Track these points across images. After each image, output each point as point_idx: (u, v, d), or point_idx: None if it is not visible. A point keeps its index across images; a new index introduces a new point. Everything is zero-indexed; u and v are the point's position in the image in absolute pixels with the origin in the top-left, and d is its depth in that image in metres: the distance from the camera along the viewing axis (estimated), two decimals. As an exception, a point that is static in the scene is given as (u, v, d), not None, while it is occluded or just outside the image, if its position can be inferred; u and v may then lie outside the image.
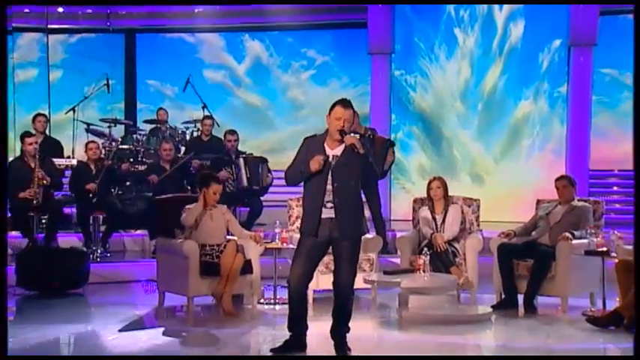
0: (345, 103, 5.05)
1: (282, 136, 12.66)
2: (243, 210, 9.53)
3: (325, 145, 5.07)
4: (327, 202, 4.99)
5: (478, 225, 7.52)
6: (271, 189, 9.50)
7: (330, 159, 5.03)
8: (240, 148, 9.72)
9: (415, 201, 7.71)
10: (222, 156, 9.60)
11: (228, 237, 6.91)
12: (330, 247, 5.14)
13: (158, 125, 11.05)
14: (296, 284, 5.02)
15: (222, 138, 9.83)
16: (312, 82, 12.82)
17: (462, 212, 7.42)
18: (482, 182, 11.55)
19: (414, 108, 11.90)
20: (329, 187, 4.99)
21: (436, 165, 11.66)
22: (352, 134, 8.47)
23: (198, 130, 10.72)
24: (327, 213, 5.00)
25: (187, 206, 6.83)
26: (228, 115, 12.39)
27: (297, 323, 5.13)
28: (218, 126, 10.76)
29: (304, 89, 12.83)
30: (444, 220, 7.29)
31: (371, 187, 8.58)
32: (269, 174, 9.42)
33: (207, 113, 10.95)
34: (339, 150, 5.05)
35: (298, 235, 5.25)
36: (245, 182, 9.33)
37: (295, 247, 5.22)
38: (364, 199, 5.40)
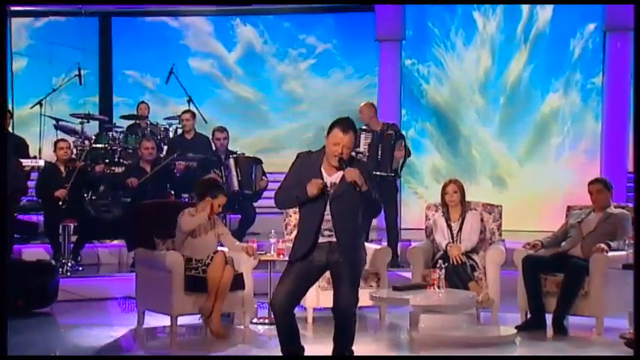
0: (344, 126, 4.96)
1: (278, 134, 12.69)
2: (234, 217, 9.54)
3: (322, 169, 5.04)
4: (325, 229, 5.01)
5: (500, 235, 7.52)
6: (266, 194, 9.50)
7: (328, 187, 5.00)
8: (230, 147, 9.74)
9: (428, 207, 7.72)
10: (209, 156, 9.61)
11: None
12: (329, 271, 5.14)
13: (137, 121, 11.07)
14: (279, 302, 4.98)
15: (210, 136, 9.85)
16: (311, 73, 12.84)
17: (482, 220, 7.43)
18: (505, 186, 11.57)
19: (427, 102, 11.91)
20: (327, 217, 5.00)
21: (452, 167, 11.68)
22: (364, 133, 8.53)
23: (182, 126, 10.73)
24: (326, 238, 5.02)
25: (189, 209, 6.84)
26: (216, 110, 12.42)
27: (291, 345, 5.13)
28: (206, 122, 10.78)
29: (303, 81, 12.85)
30: (460, 229, 7.30)
31: (388, 195, 8.61)
32: (263, 177, 9.44)
33: (192, 108, 10.95)
34: (337, 176, 5.02)
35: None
36: (236, 186, 9.34)
37: (282, 275, 5.16)
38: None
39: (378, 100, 11.79)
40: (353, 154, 5.17)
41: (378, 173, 8.47)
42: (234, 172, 9.35)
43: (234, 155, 9.54)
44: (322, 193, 4.95)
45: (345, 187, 4.97)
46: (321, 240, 5.02)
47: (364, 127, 8.84)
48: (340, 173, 5.00)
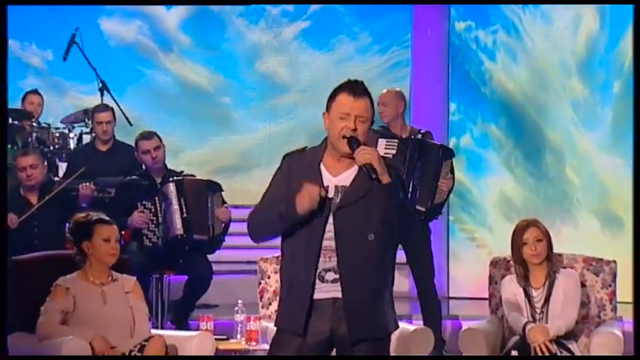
0: (355, 89, 5.04)
1: (249, 143, 12.73)
2: (176, 280, 9.53)
3: (322, 167, 5.10)
4: (327, 270, 5.02)
5: (614, 309, 7.55)
6: (229, 241, 9.51)
7: (332, 193, 5.04)
8: (170, 164, 9.74)
9: (494, 264, 7.75)
10: (135, 179, 9.60)
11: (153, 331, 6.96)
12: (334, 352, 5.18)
13: (18, 122, 11.07)
14: None
15: (135, 146, 9.84)
16: (303, 44, 12.90)
17: (584, 285, 7.46)
18: (622, 228, 11.56)
19: (491, 91, 11.96)
20: (328, 242, 5.01)
21: (533, 196, 11.71)
22: (383, 141, 8.50)
23: (91, 131, 10.74)
24: (328, 290, 5.04)
25: (60, 280, 6.86)
26: (146, 104, 12.47)
27: None
28: (130, 124, 10.80)
29: (289, 57, 12.91)
30: (547, 300, 7.32)
31: (416, 243, 8.58)
32: (223, 213, 9.43)
33: (107, 100, 10.98)
34: (347, 176, 5.07)
35: (274, 328, 5.27)
36: (179, 228, 9.33)
37: (269, 349, 5.24)
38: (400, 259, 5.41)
39: (411, 87, 11.87)
40: None
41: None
42: (175, 206, 9.34)
43: (177, 178, 9.54)
44: (322, 204, 4.95)
45: (360, 190, 4.98)
46: (320, 294, 5.02)
47: (380, 129, 8.67)
48: (351, 172, 5.04)
